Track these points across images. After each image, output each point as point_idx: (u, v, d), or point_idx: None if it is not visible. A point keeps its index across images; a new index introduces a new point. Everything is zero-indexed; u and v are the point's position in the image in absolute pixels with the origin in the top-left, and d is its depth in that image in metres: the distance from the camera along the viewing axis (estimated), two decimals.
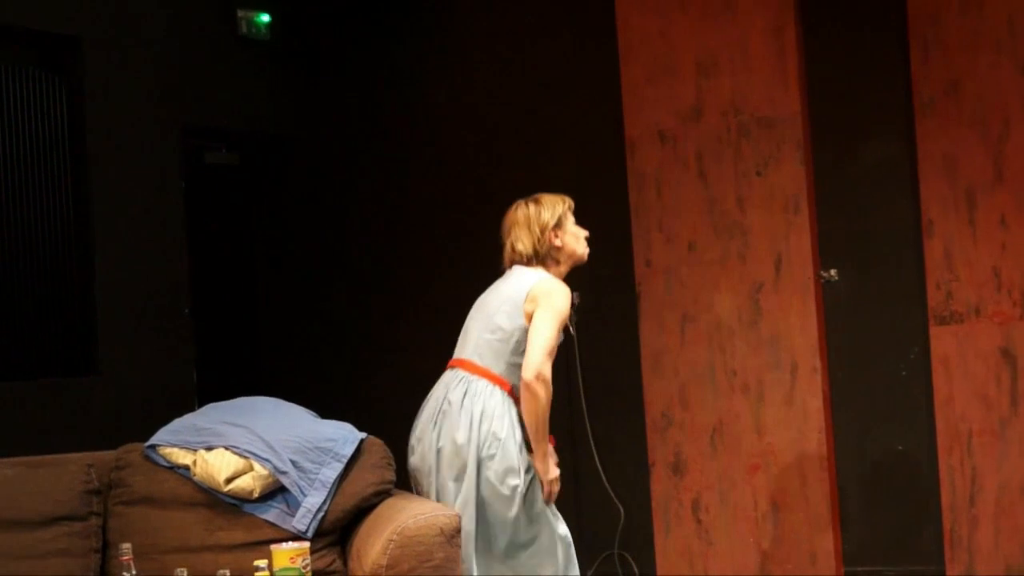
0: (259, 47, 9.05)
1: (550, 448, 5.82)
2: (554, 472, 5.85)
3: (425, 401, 6.04)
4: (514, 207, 6.10)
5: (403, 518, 5.47)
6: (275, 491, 5.75)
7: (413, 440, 5.98)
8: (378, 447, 5.98)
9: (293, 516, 5.69)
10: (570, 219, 6.07)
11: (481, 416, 5.79)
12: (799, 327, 7.94)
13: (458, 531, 5.51)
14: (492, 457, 5.74)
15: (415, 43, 9.21)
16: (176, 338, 8.32)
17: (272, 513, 5.72)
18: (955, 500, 7.64)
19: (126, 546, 4.90)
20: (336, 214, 9.46)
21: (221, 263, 9.38)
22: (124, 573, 4.82)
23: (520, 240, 6.03)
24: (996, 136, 7.45)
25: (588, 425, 8.53)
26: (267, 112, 9.20)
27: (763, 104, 7.97)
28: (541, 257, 6.01)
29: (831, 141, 8.01)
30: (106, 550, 5.67)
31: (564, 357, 8.54)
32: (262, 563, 4.86)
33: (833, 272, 7.98)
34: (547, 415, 5.75)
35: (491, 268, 8.88)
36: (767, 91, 7.96)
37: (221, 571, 4.84)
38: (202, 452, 5.81)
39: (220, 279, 9.34)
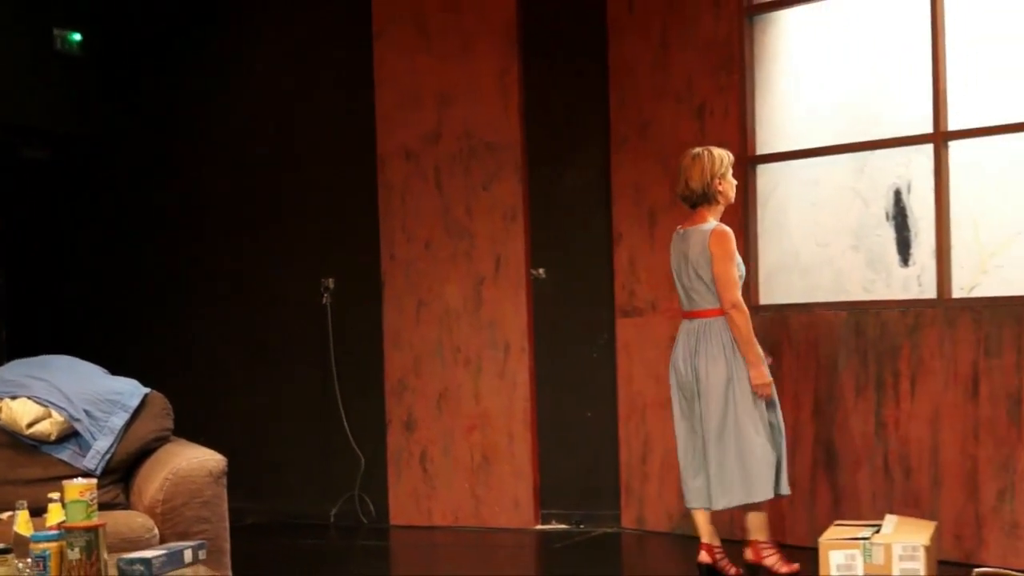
0: (71, 60, 8.90)
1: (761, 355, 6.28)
2: (757, 379, 6.25)
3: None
4: (692, 154, 6.39)
5: (178, 461, 5.41)
6: (70, 435, 5.66)
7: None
8: (160, 400, 5.89)
9: (84, 457, 5.61)
10: (730, 171, 6.38)
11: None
12: (512, 314, 8.08)
13: (224, 473, 5.47)
14: None
15: (204, 63, 9.10)
16: None
17: (66, 454, 5.63)
18: (630, 459, 7.80)
19: None
20: (133, 201, 9.28)
21: (33, 242, 9.24)
22: None
23: (694, 179, 6.33)
24: (675, 169, 7.36)
25: (337, 388, 8.57)
26: (76, 115, 9.05)
27: (490, 132, 8.07)
28: (708, 196, 6.31)
29: (544, 165, 8.10)
30: None
31: (320, 331, 8.62)
32: (55, 495, 4.69)
33: (542, 271, 8.09)
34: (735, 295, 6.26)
35: (260, 257, 8.85)
36: (493, 121, 8.07)
37: (19, 501, 4.73)
38: (7, 400, 5.68)
39: (31, 257, 9.20)
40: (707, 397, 6.26)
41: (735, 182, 6.43)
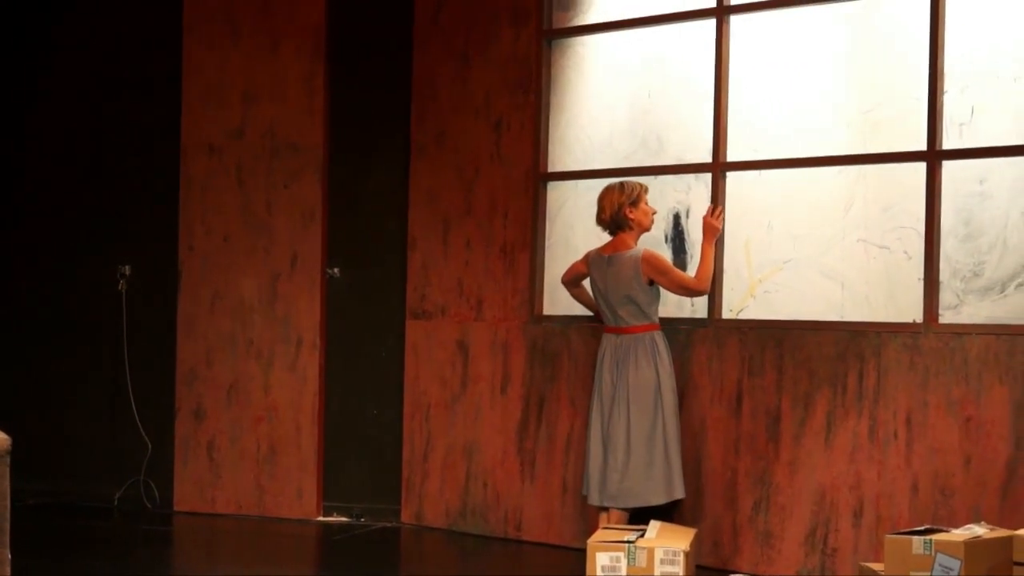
0: None
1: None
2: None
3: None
4: (608, 186, 6.71)
5: None
6: None
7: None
8: None
9: None
10: (644, 200, 6.66)
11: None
12: (306, 310, 8.11)
13: (8, 452, 5.41)
14: None
15: (10, 46, 8.94)
16: None
17: None
18: (413, 455, 7.90)
19: None
20: None
21: None
22: None
23: (604, 209, 6.65)
24: (469, 179, 7.70)
25: (128, 374, 8.51)
26: None
27: (293, 132, 8.11)
28: (620, 223, 6.62)
29: (345, 167, 8.15)
30: None
31: (114, 317, 8.55)
32: None
33: (337, 270, 8.14)
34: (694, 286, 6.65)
35: (58, 241, 8.72)
36: (297, 122, 8.11)
37: None
38: None
39: None
40: (637, 403, 6.55)
41: (651, 209, 6.73)
